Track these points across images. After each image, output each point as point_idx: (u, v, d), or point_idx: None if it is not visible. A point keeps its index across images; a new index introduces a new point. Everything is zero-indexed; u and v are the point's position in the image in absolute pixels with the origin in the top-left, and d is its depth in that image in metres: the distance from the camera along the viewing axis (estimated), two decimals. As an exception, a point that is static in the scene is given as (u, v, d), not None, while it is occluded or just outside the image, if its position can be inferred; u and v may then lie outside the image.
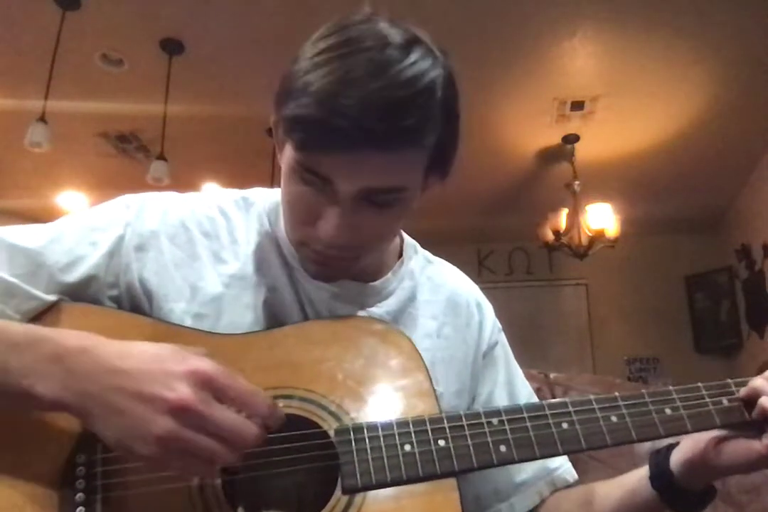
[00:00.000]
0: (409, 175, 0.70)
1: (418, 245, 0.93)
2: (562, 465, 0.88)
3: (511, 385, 0.91)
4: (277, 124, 0.74)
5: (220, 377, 0.58)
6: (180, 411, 0.55)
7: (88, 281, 0.75)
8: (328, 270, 0.78)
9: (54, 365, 0.59)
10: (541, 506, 0.86)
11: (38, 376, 0.59)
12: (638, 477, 0.77)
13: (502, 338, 0.94)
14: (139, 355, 0.59)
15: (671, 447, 0.76)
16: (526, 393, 0.92)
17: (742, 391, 0.73)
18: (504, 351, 0.93)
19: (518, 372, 0.94)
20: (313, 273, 0.79)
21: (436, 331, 0.86)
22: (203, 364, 0.58)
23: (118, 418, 0.57)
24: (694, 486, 0.73)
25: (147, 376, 0.57)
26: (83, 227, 0.77)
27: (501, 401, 0.88)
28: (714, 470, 0.72)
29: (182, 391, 0.55)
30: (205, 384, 0.56)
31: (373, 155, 0.64)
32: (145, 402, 0.55)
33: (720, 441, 0.72)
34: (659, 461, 0.75)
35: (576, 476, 0.89)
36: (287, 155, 0.71)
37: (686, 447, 0.74)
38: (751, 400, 0.71)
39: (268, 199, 0.86)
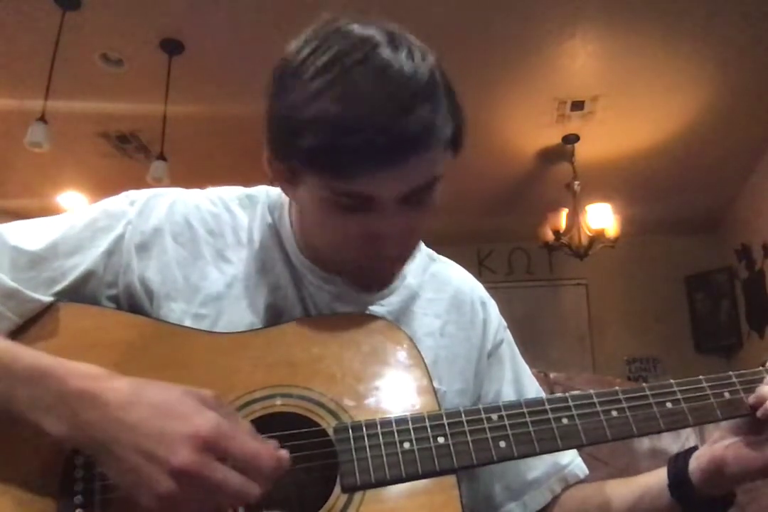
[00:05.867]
0: (440, 164, 0.70)
1: (422, 243, 0.93)
2: (572, 461, 0.88)
3: (519, 383, 0.91)
4: (282, 160, 0.70)
5: (223, 439, 0.58)
6: (181, 475, 0.56)
7: (87, 278, 0.75)
8: (376, 280, 0.81)
9: (60, 406, 0.60)
10: (553, 503, 0.86)
11: (45, 413, 0.60)
12: (656, 483, 0.76)
13: (508, 336, 0.94)
14: (142, 406, 0.59)
15: (688, 453, 0.75)
16: (534, 390, 0.92)
17: (750, 399, 0.72)
18: (510, 348, 0.93)
19: (525, 369, 0.94)
20: (362, 286, 0.81)
21: (439, 330, 0.86)
22: (207, 425, 0.58)
23: (123, 470, 0.58)
24: (714, 493, 0.73)
25: (151, 434, 0.57)
26: (85, 228, 0.77)
27: (509, 399, 0.88)
28: (730, 477, 0.71)
29: (183, 456, 0.56)
30: (207, 447, 0.57)
31: (411, 160, 0.64)
32: (149, 461, 0.57)
33: (735, 448, 0.71)
34: (678, 469, 0.74)
35: (587, 471, 0.89)
36: (312, 188, 0.68)
37: (703, 455, 0.73)
38: (759, 407, 0.71)
39: (271, 195, 0.86)
